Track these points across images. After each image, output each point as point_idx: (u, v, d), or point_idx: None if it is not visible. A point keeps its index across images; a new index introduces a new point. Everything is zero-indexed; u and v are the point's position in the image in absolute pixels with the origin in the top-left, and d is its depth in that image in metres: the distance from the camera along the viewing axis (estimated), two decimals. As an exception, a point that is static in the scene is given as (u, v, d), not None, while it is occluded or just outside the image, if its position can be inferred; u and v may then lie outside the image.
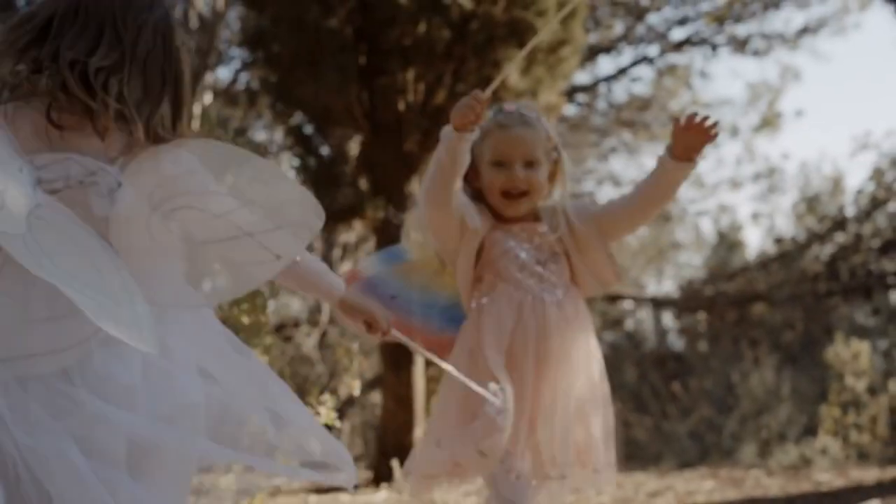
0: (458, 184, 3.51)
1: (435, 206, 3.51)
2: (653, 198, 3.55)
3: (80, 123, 2.31)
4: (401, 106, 8.54)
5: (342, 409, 9.12)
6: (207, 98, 10.31)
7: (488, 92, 3.30)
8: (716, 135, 3.39)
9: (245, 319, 4.92)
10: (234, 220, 2.29)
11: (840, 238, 13.15)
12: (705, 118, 3.38)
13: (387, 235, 8.57)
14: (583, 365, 3.54)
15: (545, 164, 3.59)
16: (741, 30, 13.83)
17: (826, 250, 13.26)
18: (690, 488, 8.18)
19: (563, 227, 3.60)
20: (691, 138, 3.40)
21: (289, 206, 2.34)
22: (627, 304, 14.68)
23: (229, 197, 2.29)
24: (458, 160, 3.42)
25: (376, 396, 10.87)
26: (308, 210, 2.35)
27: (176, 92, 2.40)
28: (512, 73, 8.27)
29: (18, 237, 2.09)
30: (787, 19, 13.99)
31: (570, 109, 13.62)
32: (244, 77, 11.68)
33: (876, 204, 12.91)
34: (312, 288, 3.01)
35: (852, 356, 10.10)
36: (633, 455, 12.01)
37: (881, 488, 7.69)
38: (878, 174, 12.90)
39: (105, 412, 2.18)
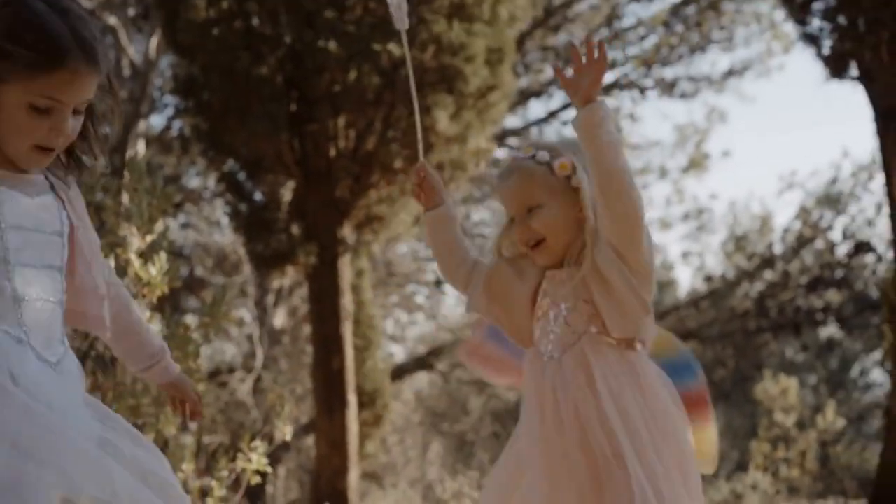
0: (463, 259, 3.38)
1: (456, 286, 3.45)
2: (592, 167, 3.09)
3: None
4: (332, 152, 8.64)
5: (276, 455, 9.14)
6: (141, 145, 10.35)
7: (421, 159, 3.23)
8: (604, 58, 2.93)
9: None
10: None
11: (769, 275, 13.39)
12: (588, 50, 2.88)
13: (319, 281, 8.64)
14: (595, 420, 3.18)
15: (556, 200, 3.15)
16: (669, 73, 14.12)
17: (755, 288, 13.50)
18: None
19: (586, 265, 3.14)
20: (583, 79, 3.01)
21: None
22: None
23: None
24: (437, 238, 3.33)
25: (311, 441, 10.90)
26: None
27: None
28: (442, 118, 8.39)
29: None
30: (713, 62, 14.20)
31: (501, 152, 13.78)
32: (177, 124, 11.74)
33: (803, 242, 13.18)
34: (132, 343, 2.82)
35: (781, 392, 10.28)
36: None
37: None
38: (804, 213, 13.17)
39: None
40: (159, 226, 6.72)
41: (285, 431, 5.73)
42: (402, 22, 3.39)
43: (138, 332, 2.76)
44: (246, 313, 11.74)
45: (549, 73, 13.96)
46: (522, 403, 3.16)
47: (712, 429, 3.15)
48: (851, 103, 21.28)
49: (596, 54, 2.82)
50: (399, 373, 14.39)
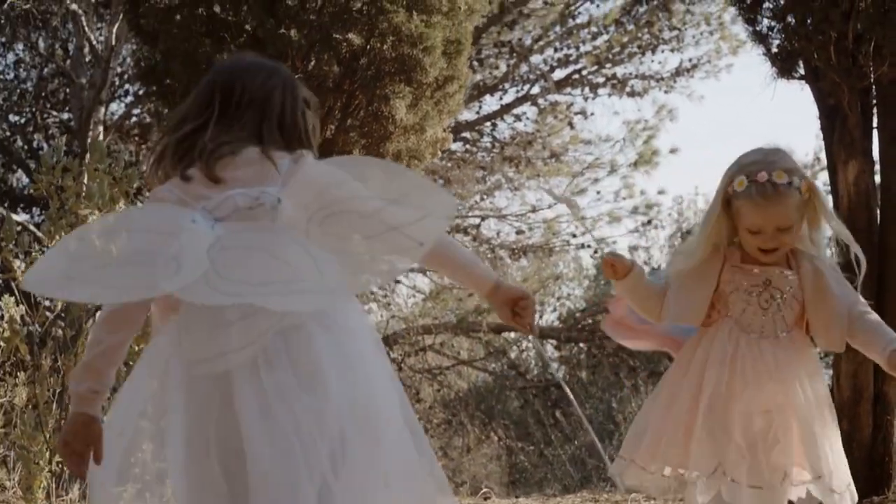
0: (658, 297, 3.85)
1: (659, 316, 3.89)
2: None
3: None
4: (291, 140, 8.76)
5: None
6: (99, 132, 10.41)
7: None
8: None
9: (136, 347, 5.04)
10: (381, 217, 2.70)
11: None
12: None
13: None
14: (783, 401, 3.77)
15: (799, 220, 3.79)
16: (620, 71, 14.37)
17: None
18: (572, 511, 8.45)
19: (808, 277, 3.82)
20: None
21: (424, 197, 2.74)
22: (511, 335, 15.02)
23: (376, 199, 2.71)
24: (636, 298, 3.89)
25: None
26: (442, 199, 2.80)
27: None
28: (400, 108, 8.54)
29: (200, 280, 2.53)
30: (663, 61, 14.41)
31: (455, 145, 13.98)
32: (136, 111, 11.81)
33: (747, 237, 13.44)
34: (463, 274, 3.18)
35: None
36: (517, 480, 12.34)
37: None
38: (748, 209, 13.42)
39: (308, 402, 2.64)
40: (120, 206, 6.84)
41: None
42: (576, 212, 4.12)
43: None
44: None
45: (503, 68, 14.17)
46: (682, 365, 3.81)
47: None
48: (797, 102, 21.63)
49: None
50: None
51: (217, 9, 8.73)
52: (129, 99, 11.89)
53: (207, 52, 8.52)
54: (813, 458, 3.72)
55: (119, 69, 11.44)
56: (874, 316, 3.83)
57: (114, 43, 10.37)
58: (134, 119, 11.78)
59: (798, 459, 3.74)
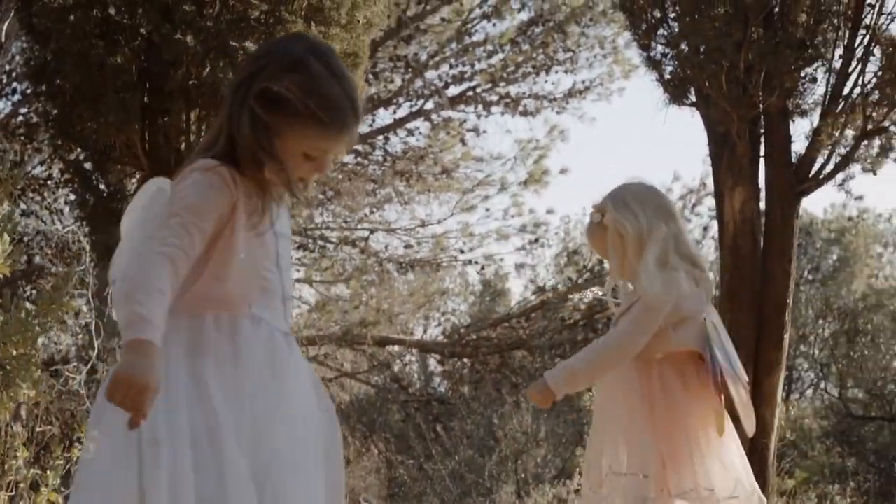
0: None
1: None
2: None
3: None
4: (182, 146, 8.66)
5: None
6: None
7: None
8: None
9: (14, 352, 4.93)
10: None
11: (598, 289, 13.81)
12: None
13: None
14: None
15: (612, 251, 4.08)
16: (514, 90, 14.48)
17: (585, 300, 13.93)
18: (452, 524, 8.50)
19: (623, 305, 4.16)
20: None
21: None
22: (395, 348, 15.02)
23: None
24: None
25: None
26: None
27: None
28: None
29: None
30: (556, 82, 14.56)
31: (347, 158, 13.94)
32: (24, 109, 11.57)
33: (632, 259, 13.62)
34: None
35: (606, 401, 10.61)
36: (396, 494, 12.34)
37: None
38: (634, 231, 13.60)
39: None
40: (4, 208, 6.69)
41: (124, 420, 5.74)
42: None
43: None
44: (84, 304, 11.63)
45: (397, 82, 14.19)
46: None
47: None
48: (685, 128, 22.07)
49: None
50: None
51: (112, 11, 8.60)
52: (17, 97, 11.65)
53: (100, 53, 8.39)
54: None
55: (7, 66, 11.21)
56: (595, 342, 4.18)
57: (3, 40, 10.14)
58: (20, 118, 11.54)
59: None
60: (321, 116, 2.64)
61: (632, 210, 3.99)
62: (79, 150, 9.23)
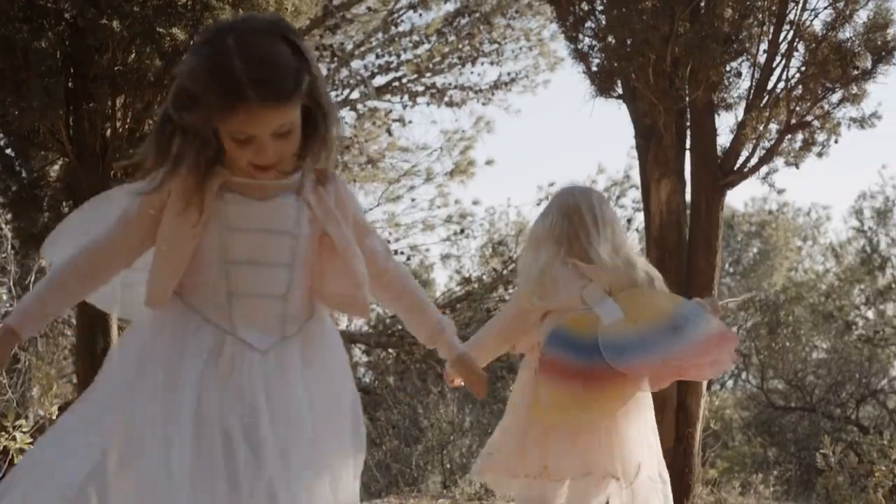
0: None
1: None
2: None
3: None
4: (107, 132, 8.57)
5: (40, 433, 8.98)
6: None
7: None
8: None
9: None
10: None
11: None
12: None
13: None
14: None
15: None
16: (439, 80, 14.49)
17: (510, 292, 13.99)
18: (379, 515, 8.49)
19: None
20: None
21: None
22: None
23: None
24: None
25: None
26: None
27: None
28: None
29: None
30: (482, 73, 14.60)
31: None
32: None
33: (556, 250, 13.69)
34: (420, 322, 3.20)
35: (531, 392, 10.67)
36: (321, 485, 12.23)
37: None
38: (559, 223, 13.67)
39: None
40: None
41: (51, 411, 5.72)
42: None
43: (417, 311, 3.15)
44: (5, 293, 11.46)
45: (323, 71, 14.11)
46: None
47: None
48: (611, 121, 22.24)
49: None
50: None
51: (36, -6, 8.48)
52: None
53: (25, 38, 8.26)
54: None
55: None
56: None
57: (-78, 22, 9.94)
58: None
59: None
60: (217, 98, 2.51)
61: (544, 212, 4.35)
62: (1, 135, 9.10)
